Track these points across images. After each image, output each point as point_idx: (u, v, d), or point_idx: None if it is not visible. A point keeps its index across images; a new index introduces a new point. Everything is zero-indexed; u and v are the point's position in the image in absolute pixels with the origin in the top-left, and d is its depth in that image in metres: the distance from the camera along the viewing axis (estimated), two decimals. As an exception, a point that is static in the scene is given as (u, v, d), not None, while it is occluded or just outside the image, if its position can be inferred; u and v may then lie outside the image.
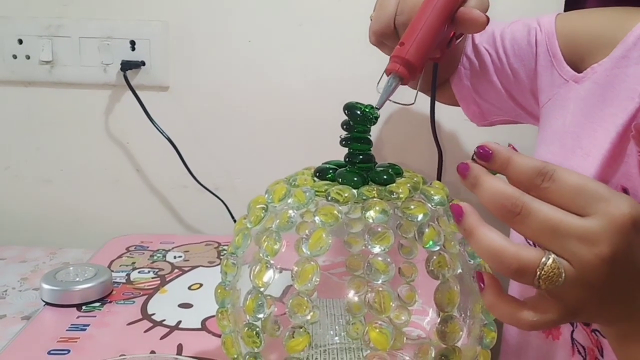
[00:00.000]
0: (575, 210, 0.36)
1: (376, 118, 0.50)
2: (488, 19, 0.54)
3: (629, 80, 0.57)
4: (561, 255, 0.36)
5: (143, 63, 1.05)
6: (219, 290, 0.54)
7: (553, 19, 0.69)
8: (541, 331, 0.61)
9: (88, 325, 0.72)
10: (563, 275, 0.35)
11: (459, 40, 0.60)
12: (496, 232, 0.38)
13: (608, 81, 0.59)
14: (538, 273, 0.36)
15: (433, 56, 0.57)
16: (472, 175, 0.39)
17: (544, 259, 0.36)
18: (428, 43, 0.52)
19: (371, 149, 0.52)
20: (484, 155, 0.39)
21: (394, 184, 0.50)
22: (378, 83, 0.55)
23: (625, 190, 0.55)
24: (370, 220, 0.46)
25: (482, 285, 0.39)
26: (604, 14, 0.67)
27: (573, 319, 0.38)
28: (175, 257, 0.96)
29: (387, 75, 0.52)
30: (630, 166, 0.55)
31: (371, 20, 0.61)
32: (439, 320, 0.48)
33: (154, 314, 0.76)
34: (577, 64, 0.65)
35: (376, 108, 0.50)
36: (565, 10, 0.96)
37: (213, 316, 0.55)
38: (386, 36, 0.58)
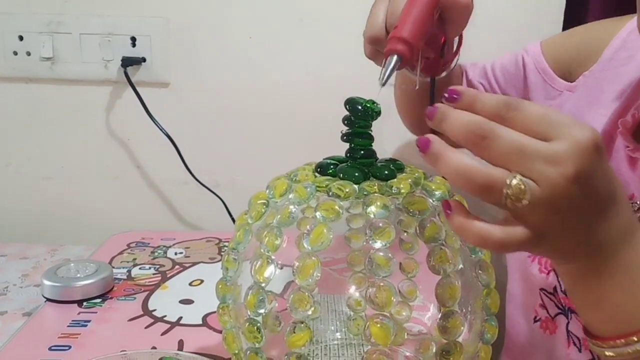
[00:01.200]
0: (540, 135, 0.37)
1: (377, 113, 0.50)
2: (472, 4, 0.54)
3: (617, 81, 0.59)
4: (528, 175, 0.37)
5: (144, 59, 1.05)
6: (220, 286, 0.54)
7: (538, 44, 0.76)
8: (539, 327, 0.61)
9: (89, 321, 0.73)
10: (529, 194, 0.36)
11: (453, 66, 0.60)
12: (463, 154, 0.38)
13: (597, 83, 0.61)
14: (505, 191, 0.36)
15: (427, 55, 0.57)
16: (440, 112, 0.40)
17: (510, 177, 0.37)
18: (421, 23, 0.51)
19: (372, 144, 0.52)
20: (451, 97, 0.41)
21: (395, 179, 0.50)
22: (380, 77, 0.54)
23: None
24: (372, 216, 0.46)
25: (448, 211, 0.39)
26: (587, 28, 0.71)
27: (539, 244, 0.38)
28: (176, 254, 0.96)
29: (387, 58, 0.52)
30: (619, 161, 0.57)
31: (364, 36, 0.61)
32: (440, 315, 0.48)
33: (155, 310, 0.76)
34: (567, 78, 0.70)
35: (381, 84, 0.49)
36: (566, 11, 0.98)
37: (214, 312, 0.55)
38: (380, 42, 0.58)
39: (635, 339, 0.39)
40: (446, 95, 0.41)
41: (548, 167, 0.36)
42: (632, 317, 0.40)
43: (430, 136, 0.39)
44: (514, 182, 0.36)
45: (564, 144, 0.37)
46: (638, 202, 0.55)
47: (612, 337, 0.41)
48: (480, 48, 1.08)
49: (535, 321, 0.62)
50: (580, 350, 0.57)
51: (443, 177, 0.41)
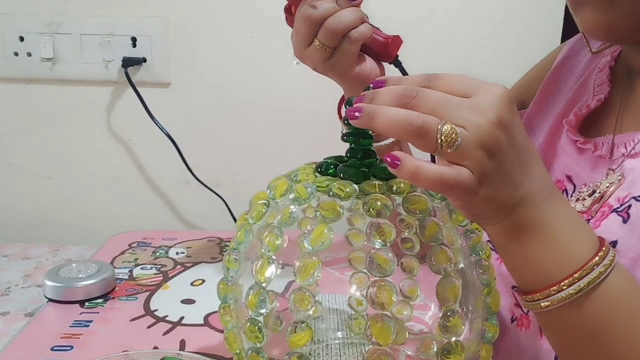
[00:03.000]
0: (461, 94, 0.42)
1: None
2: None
3: (560, 91, 0.69)
4: (457, 123, 0.40)
5: (144, 60, 1.06)
6: (221, 286, 0.54)
7: None
8: (516, 326, 0.63)
9: (91, 321, 0.73)
10: (460, 137, 0.40)
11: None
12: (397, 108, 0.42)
13: (544, 98, 0.71)
14: (439, 137, 0.40)
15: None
16: (368, 94, 0.43)
17: (440, 124, 0.40)
18: None
19: (372, 144, 0.52)
20: (378, 85, 0.45)
21: (396, 179, 0.50)
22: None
23: (569, 178, 0.62)
24: (372, 216, 0.46)
25: (397, 162, 0.41)
26: (533, 68, 0.79)
27: (481, 187, 0.41)
28: (177, 253, 0.96)
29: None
30: (567, 156, 0.63)
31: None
32: (440, 314, 0.48)
33: (156, 310, 0.76)
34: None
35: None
36: (566, 11, 0.99)
37: (215, 312, 0.55)
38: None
39: (564, 286, 0.43)
40: (372, 85, 0.45)
41: (473, 114, 0.40)
42: (557, 267, 0.44)
43: (360, 105, 0.42)
44: (445, 127, 0.40)
45: (484, 96, 0.41)
46: (591, 186, 0.59)
47: (544, 287, 0.44)
48: (481, 49, 1.08)
49: (512, 321, 0.63)
50: None
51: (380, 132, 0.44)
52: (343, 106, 0.53)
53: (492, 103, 0.41)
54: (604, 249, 0.44)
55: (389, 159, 0.40)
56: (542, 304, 0.45)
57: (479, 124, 0.40)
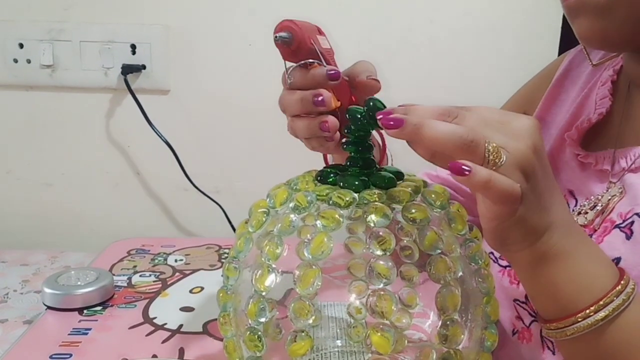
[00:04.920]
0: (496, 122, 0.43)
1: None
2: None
3: (561, 104, 0.70)
4: (496, 144, 0.41)
5: (144, 67, 1.06)
6: (221, 294, 0.54)
7: None
8: (517, 338, 0.63)
9: (90, 329, 0.73)
10: (504, 156, 0.40)
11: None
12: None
13: (550, 107, 0.71)
14: (486, 153, 0.40)
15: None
16: (400, 109, 0.42)
17: (487, 141, 0.41)
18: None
19: (372, 153, 0.52)
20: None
21: (395, 188, 0.50)
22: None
23: (571, 192, 0.62)
24: (372, 225, 0.47)
25: (467, 171, 0.40)
26: (530, 81, 0.80)
27: (520, 205, 0.42)
28: (176, 261, 0.96)
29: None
30: (570, 171, 0.64)
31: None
32: (440, 323, 0.48)
33: (155, 318, 0.76)
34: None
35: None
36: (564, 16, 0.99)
37: (214, 320, 0.55)
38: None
39: (591, 312, 0.44)
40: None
41: (511, 139, 0.41)
42: (582, 294, 0.45)
43: (400, 115, 0.41)
44: (491, 144, 0.40)
45: (518, 123, 0.43)
46: (592, 198, 0.59)
47: (569, 315, 0.45)
48: (480, 57, 1.09)
49: (513, 334, 0.63)
50: (554, 353, 0.58)
51: (425, 146, 0.44)
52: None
53: (527, 129, 0.42)
54: (625, 277, 0.46)
55: (456, 167, 0.40)
56: (568, 332, 0.45)
57: (518, 147, 0.41)
